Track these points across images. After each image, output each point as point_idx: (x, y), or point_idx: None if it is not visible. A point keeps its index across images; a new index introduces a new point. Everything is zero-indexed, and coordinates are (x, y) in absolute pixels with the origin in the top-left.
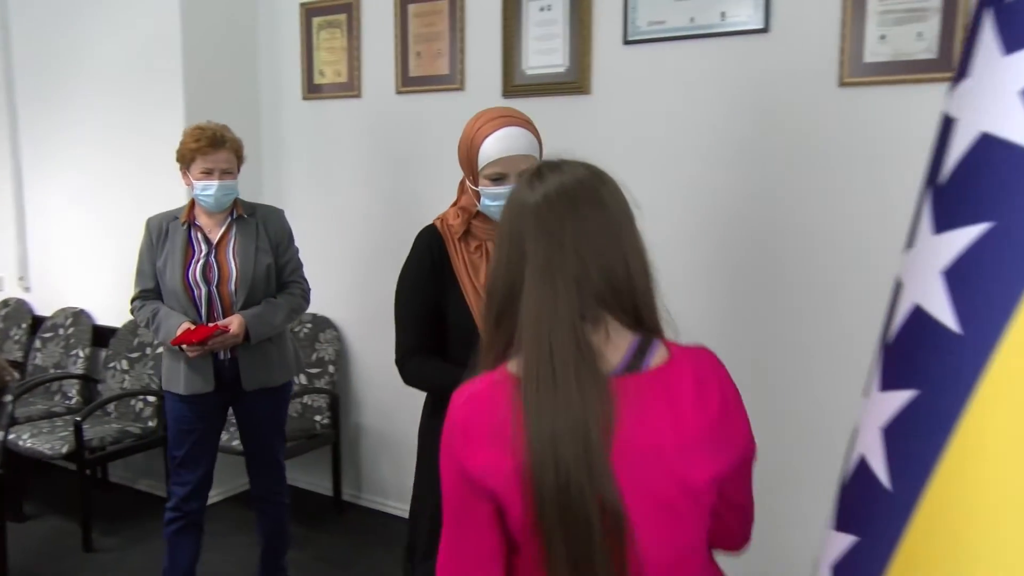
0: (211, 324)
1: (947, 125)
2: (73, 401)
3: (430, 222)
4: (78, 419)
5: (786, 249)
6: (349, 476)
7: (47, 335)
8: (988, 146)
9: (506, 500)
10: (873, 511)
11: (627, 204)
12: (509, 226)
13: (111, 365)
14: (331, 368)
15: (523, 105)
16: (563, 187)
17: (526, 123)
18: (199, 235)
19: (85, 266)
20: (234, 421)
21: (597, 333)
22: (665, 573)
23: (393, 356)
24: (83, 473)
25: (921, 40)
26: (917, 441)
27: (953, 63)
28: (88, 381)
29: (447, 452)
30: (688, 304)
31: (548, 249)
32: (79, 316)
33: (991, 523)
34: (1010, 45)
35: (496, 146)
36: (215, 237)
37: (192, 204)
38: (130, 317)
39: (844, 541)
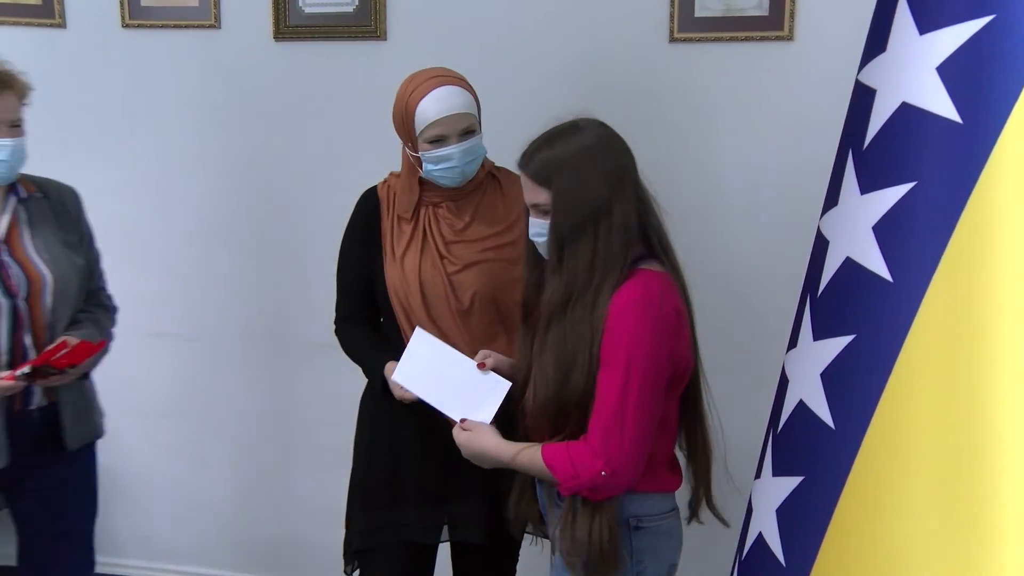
0: (87, 343)
1: (865, 94)
2: None
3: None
4: None
5: None
6: None
7: None
8: (909, 115)
9: (682, 358)
10: (818, 451)
11: None
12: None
13: None
14: None
15: (301, 50)
16: None
17: (461, 81)
18: None
19: None
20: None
21: None
22: None
23: None
24: None
25: None
26: (858, 381)
27: (783, 21)
28: None
29: (660, 336)
30: None
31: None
32: None
33: (934, 450)
34: (924, 26)
35: (434, 107)
36: (1, 226)
37: None
38: None
39: (788, 484)
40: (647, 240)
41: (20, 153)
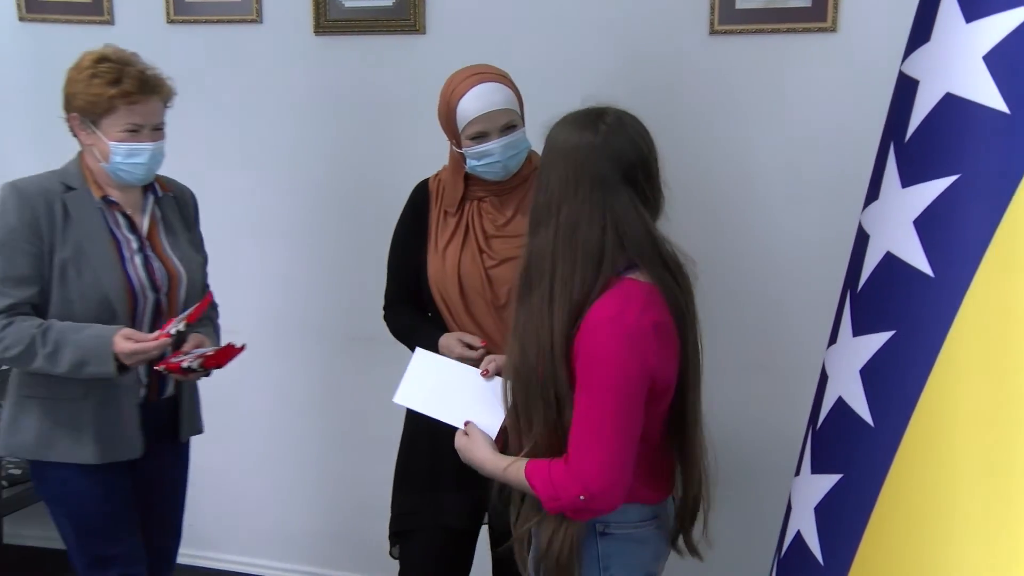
0: (233, 345)
1: (907, 85)
2: None
3: None
4: None
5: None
6: None
7: None
8: (953, 105)
9: (663, 374)
10: (857, 448)
11: None
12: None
13: None
14: None
15: (341, 44)
16: None
17: (501, 77)
18: (119, 218)
19: None
20: None
21: None
22: None
23: None
24: None
25: None
26: (897, 378)
27: (827, 12)
28: None
29: (635, 353)
30: None
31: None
32: None
33: (974, 449)
34: (970, 14)
35: (473, 104)
36: (143, 223)
37: (84, 169)
38: None
39: (826, 482)
40: (625, 251)
41: (159, 156)
